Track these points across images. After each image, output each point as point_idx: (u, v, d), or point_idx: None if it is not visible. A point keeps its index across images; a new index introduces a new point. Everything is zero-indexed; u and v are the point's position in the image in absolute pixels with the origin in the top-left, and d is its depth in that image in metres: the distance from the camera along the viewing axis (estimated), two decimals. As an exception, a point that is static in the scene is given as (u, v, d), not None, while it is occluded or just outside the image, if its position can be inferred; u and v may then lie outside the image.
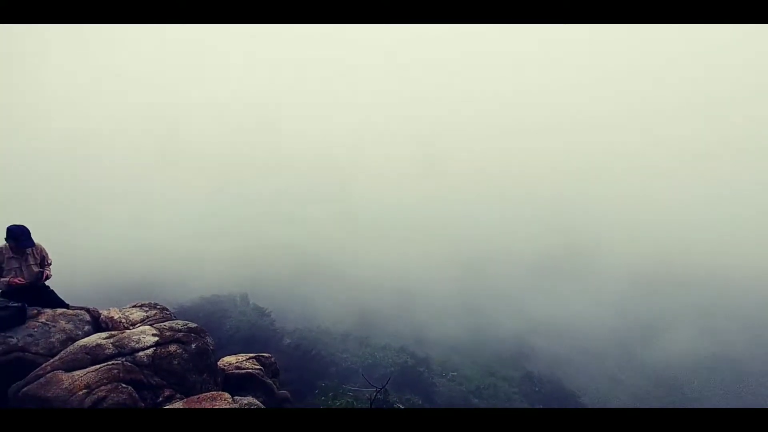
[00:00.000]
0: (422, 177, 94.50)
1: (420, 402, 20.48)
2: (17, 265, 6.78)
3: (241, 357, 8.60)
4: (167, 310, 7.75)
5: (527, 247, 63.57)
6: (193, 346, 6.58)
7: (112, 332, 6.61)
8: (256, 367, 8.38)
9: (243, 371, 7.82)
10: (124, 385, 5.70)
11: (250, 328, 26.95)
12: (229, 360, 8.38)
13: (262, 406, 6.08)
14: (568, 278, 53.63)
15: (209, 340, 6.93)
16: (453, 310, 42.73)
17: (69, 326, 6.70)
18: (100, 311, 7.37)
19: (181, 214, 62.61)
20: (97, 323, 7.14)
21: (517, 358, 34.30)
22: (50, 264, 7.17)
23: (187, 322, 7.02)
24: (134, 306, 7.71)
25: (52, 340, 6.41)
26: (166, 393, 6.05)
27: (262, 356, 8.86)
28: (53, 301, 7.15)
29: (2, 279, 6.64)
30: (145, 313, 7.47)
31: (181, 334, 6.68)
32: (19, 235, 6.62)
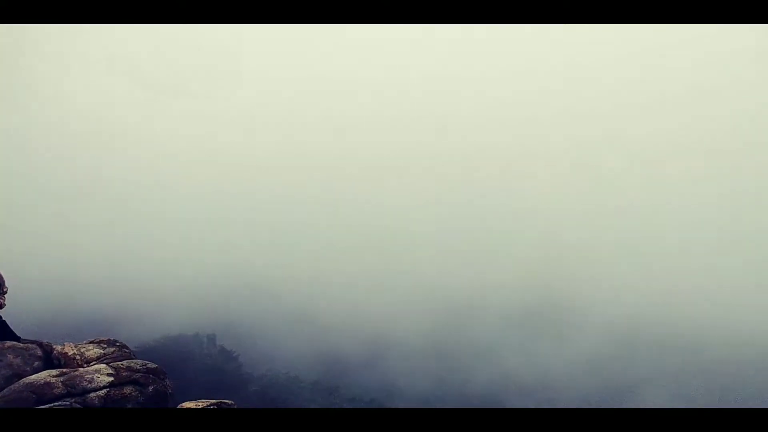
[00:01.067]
0: (400, 223, 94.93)
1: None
2: (-30, 293, 6.40)
3: (201, 403, 8.09)
4: (127, 348, 7.33)
5: (504, 299, 63.42)
6: (151, 388, 6.20)
7: (64, 370, 6.19)
8: (216, 414, 7.91)
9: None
10: (69, 430, 5.27)
11: (216, 372, 25.74)
12: (188, 406, 7.88)
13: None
14: (544, 333, 53.38)
15: (168, 382, 6.56)
16: (425, 361, 41.74)
17: (17, 361, 6.25)
18: (54, 346, 6.93)
19: (151, 248, 61.01)
20: (50, 359, 6.69)
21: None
22: (5, 292, 6.77)
23: (146, 362, 6.65)
24: (91, 342, 7.27)
25: (-4, 375, 5.95)
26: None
27: (224, 403, 8.38)
28: (3, 332, 6.70)
29: (-49, 306, 6.23)
30: (102, 350, 7.04)
31: (139, 375, 6.31)
32: None
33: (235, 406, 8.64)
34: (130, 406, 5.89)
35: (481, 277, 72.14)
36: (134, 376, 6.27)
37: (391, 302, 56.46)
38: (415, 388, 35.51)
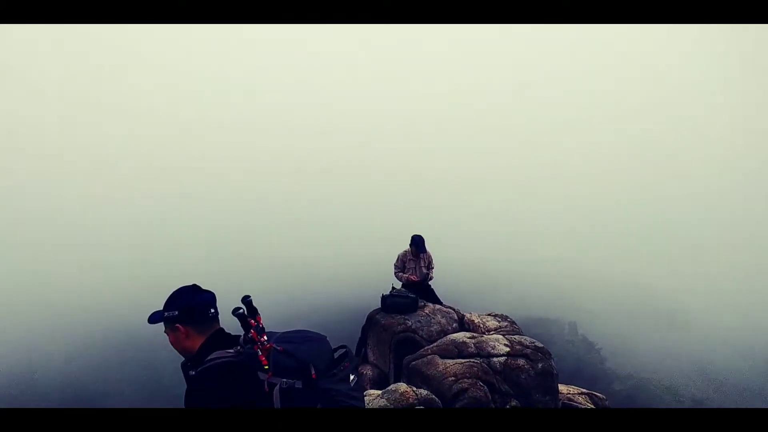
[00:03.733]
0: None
1: None
2: (413, 266, 8.96)
3: (573, 389, 8.40)
4: (516, 324, 8.47)
5: None
6: (540, 365, 6.94)
7: (474, 334, 7.77)
8: (588, 405, 8.06)
9: (575, 405, 7.67)
10: (481, 384, 6.61)
11: (576, 361, 25.86)
12: (563, 389, 8.36)
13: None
14: None
15: (554, 363, 7.15)
16: None
17: (443, 320, 8.31)
18: (463, 313, 8.79)
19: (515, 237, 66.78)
20: (461, 323, 8.54)
21: None
22: (433, 268, 9.10)
23: (534, 340, 7.46)
24: (489, 314, 8.81)
25: (431, 329, 8.11)
26: (513, 403, 6.64)
27: (596, 395, 8.38)
28: (433, 297, 9.03)
29: (404, 275, 8.92)
30: (497, 323, 8.42)
31: (528, 351, 7.17)
32: (419, 243, 8.75)
33: (607, 402, 8.52)
34: (523, 377, 6.80)
35: None
36: (525, 351, 7.17)
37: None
38: None
